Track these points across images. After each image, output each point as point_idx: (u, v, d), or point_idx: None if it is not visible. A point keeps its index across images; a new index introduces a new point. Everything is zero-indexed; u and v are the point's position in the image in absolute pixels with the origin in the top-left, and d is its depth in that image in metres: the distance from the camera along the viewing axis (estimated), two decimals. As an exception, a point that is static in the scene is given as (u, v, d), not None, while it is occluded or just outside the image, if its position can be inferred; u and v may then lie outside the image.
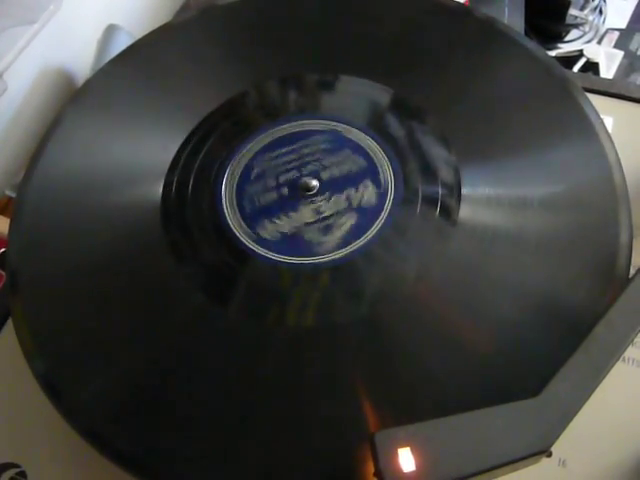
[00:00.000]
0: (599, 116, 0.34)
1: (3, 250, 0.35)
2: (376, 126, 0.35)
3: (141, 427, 0.30)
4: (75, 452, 0.32)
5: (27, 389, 0.33)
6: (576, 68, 0.55)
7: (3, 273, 0.34)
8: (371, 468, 0.26)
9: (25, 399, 0.34)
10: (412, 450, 0.25)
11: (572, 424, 0.26)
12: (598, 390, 0.26)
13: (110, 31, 0.53)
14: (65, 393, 0.31)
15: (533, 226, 0.32)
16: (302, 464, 0.28)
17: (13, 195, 0.47)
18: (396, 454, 0.25)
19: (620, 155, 0.33)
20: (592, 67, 0.55)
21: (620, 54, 0.56)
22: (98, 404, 0.30)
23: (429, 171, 0.33)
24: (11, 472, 0.33)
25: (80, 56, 0.52)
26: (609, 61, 0.56)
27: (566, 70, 0.37)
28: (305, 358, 0.30)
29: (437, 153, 0.34)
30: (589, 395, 0.26)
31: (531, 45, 0.38)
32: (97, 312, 0.32)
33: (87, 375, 0.31)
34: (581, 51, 0.56)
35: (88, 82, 0.41)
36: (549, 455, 0.26)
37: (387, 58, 0.38)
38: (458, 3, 0.41)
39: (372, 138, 0.35)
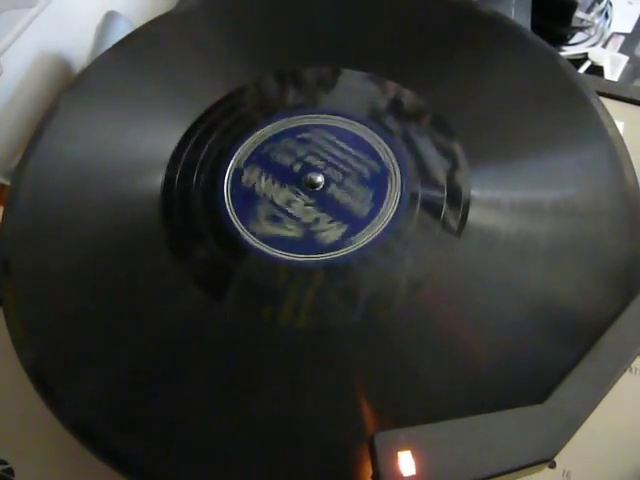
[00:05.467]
0: (612, 120, 0.34)
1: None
2: (384, 124, 0.35)
3: (133, 424, 0.29)
4: (64, 449, 0.32)
5: (16, 383, 0.32)
6: (580, 71, 0.54)
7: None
8: (369, 470, 0.25)
9: (13, 394, 0.33)
10: (413, 454, 0.25)
11: (577, 435, 0.25)
12: (604, 401, 0.26)
13: (109, 18, 0.52)
14: (55, 386, 0.30)
15: (542, 231, 0.31)
16: (297, 464, 0.28)
17: (6, 182, 0.46)
18: (396, 457, 0.25)
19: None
20: (596, 71, 0.55)
21: (625, 59, 0.56)
22: (89, 399, 0.29)
23: (437, 173, 0.33)
24: (-2, 468, 0.32)
25: (78, 42, 0.51)
26: (613, 65, 0.55)
27: (579, 72, 0.37)
28: (302, 357, 0.29)
29: (445, 154, 0.33)
30: (596, 404, 0.26)
31: (543, 45, 0.37)
32: (90, 304, 0.31)
33: (78, 368, 0.30)
34: (586, 54, 0.55)
35: (86, 69, 0.40)
36: (552, 466, 0.25)
37: (395, 54, 0.38)
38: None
39: (379, 136, 0.34)
